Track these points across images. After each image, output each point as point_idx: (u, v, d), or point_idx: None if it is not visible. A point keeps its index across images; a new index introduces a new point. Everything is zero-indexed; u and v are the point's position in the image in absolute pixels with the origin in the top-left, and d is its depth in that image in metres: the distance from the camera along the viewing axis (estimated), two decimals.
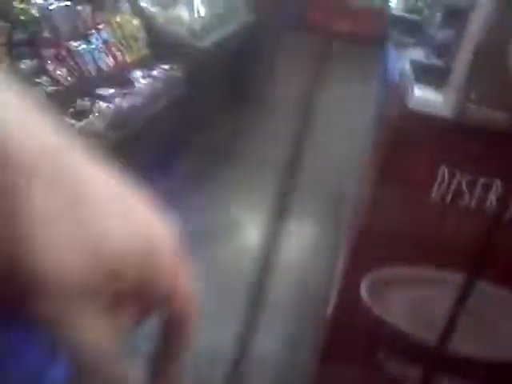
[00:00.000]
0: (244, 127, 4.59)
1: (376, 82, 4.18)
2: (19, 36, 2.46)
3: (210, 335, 2.28)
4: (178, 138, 3.49)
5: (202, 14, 4.16)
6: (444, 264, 2.14)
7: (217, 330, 2.43)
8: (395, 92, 2.12)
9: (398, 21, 7.76)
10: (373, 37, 7.56)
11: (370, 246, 2.25)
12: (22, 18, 2.49)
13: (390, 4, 8.26)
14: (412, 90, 1.92)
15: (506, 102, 1.77)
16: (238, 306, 2.72)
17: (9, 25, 2.37)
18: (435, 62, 2.31)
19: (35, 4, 2.69)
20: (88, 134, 2.54)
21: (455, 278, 2.18)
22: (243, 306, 2.73)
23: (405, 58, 2.58)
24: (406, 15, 8.20)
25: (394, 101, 2.05)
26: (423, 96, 1.89)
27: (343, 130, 4.67)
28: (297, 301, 2.94)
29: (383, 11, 8.02)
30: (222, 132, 4.29)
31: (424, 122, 1.87)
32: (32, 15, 2.56)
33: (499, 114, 1.78)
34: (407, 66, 2.21)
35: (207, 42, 3.83)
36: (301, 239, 3.47)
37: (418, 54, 2.80)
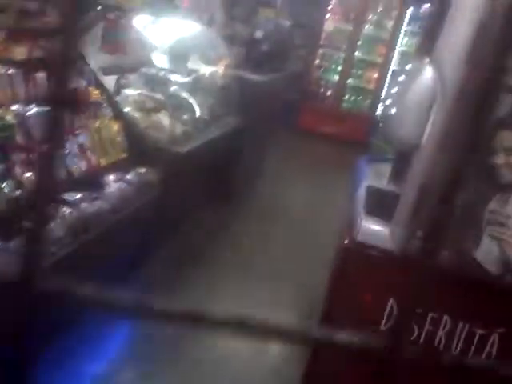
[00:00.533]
0: (219, 230, 4.61)
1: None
2: None
3: None
4: (147, 242, 3.49)
5: (186, 119, 4.32)
6: None
7: None
8: (348, 219, 2.14)
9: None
10: (359, 141, 7.82)
11: (320, 372, 2.17)
12: None
13: (376, 111, 8.62)
14: (361, 221, 1.95)
15: (450, 242, 1.78)
16: None
17: None
18: (392, 188, 2.36)
19: (12, 110, 2.79)
20: (47, 241, 2.52)
21: None
22: None
23: (369, 177, 2.64)
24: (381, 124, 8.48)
25: (346, 229, 2.07)
26: (370, 228, 1.91)
27: (319, 237, 4.68)
28: None
29: (369, 117, 8.37)
30: (194, 236, 4.31)
31: (369, 254, 1.87)
32: (6, 122, 2.65)
33: (444, 253, 1.79)
34: (362, 192, 2.25)
35: (186, 147, 3.94)
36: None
37: (385, 170, 2.86)
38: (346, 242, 1.95)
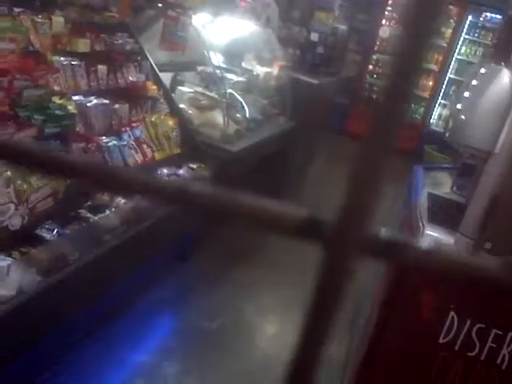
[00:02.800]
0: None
1: (401, 200, 4.14)
2: (52, 130, 2.57)
3: None
4: (196, 234, 3.51)
5: (239, 118, 4.31)
6: None
7: None
8: (408, 225, 2.06)
9: (435, 136, 7.81)
10: (411, 148, 7.64)
11: (374, 381, 2.10)
12: (58, 112, 2.61)
13: (430, 119, 8.41)
14: (424, 228, 1.87)
15: None
16: None
17: (42, 118, 2.49)
18: (454, 197, 2.27)
19: (74, 100, 2.84)
20: (102, 229, 2.55)
21: None
22: None
23: (426, 185, 2.55)
24: (443, 131, 8.27)
25: (406, 235, 1.99)
26: (433, 236, 1.83)
27: None
28: None
29: (422, 125, 8.18)
30: (238, 233, 4.30)
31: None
32: (68, 110, 2.69)
33: None
34: (424, 200, 2.17)
35: (238, 146, 3.93)
36: None
37: (443, 179, 2.77)
38: None
